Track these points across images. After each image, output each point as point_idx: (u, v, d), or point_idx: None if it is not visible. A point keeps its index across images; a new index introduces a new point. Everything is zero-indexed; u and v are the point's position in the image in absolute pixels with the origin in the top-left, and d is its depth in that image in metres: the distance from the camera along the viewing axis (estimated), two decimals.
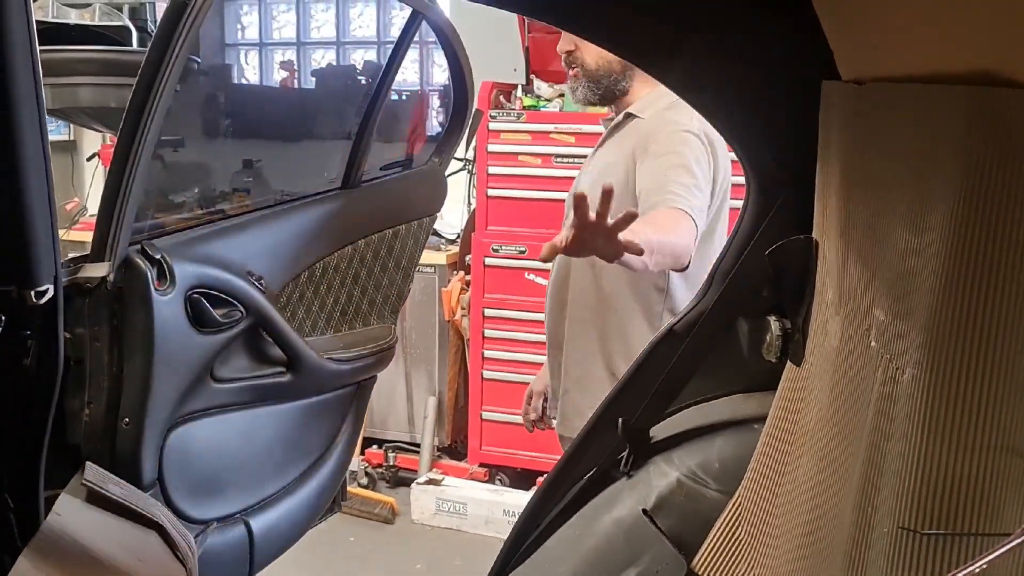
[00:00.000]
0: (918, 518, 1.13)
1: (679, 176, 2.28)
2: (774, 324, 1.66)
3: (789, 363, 1.60)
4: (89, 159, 5.94)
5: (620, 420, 1.76)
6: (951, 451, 1.12)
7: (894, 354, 1.23)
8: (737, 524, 1.66)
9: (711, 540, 1.67)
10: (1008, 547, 0.93)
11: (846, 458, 1.35)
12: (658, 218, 2.19)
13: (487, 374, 4.57)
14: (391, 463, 4.97)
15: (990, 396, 1.10)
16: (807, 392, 1.52)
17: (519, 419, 4.38)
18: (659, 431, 1.80)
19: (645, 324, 2.44)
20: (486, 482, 4.63)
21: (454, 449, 5.03)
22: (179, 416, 1.87)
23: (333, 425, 2.31)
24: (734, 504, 1.66)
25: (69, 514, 1.40)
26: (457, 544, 4.35)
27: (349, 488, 4.51)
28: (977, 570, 0.95)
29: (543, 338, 4.23)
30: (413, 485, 4.65)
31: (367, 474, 4.88)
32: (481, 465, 4.69)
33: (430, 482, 4.61)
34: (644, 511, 1.73)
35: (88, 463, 1.56)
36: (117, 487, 1.53)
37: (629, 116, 2.49)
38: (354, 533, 4.42)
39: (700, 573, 1.69)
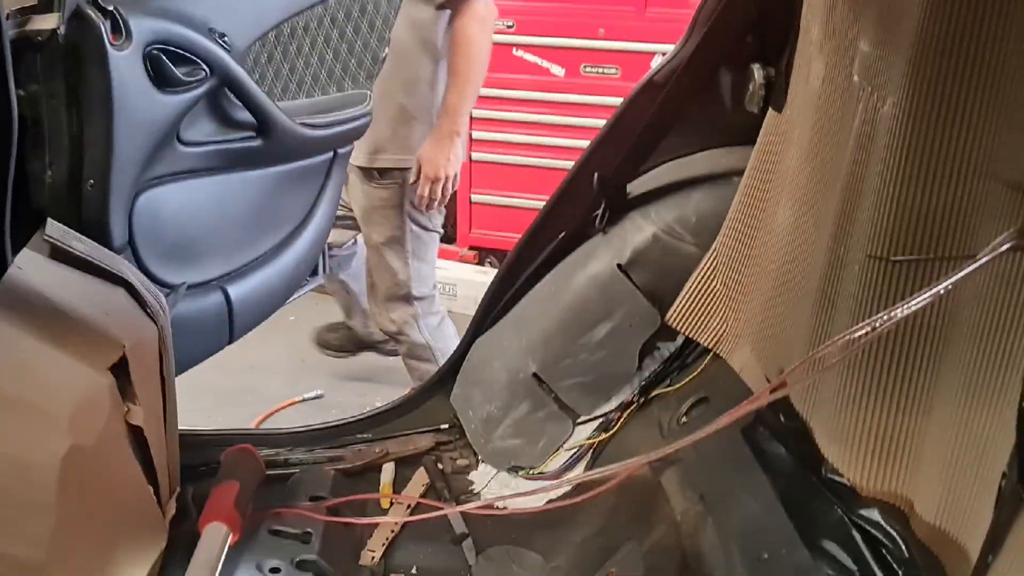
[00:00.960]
0: (890, 246, 1.10)
1: None
2: (758, 72, 1.58)
3: (770, 111, 1.54)
4: None
5: (596, 175, 1.71)
6: (929, 177, 1.07)
7: (876, 85, 1.17)
8: (712, 277, 1.64)
9: (686, 293, 1.66)
10: (976, 266, 0.90)
11: (824, 198, 1.31)
12: (457, 62, 2.50)
13: (476, 156, 4.47)
14: None
15: (973, 122, 1.05)
16: (788, 137, 1.47)
17: (509, 202, 4.37)
18: (636, 187, 1.75)
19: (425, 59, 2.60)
20: (477, 265, 4.64)
21: (444, 232, 5.01)
22: (146, 179, 1.82)
23: (310, 194, 2.26)
24: (710, 257, 1.64)
25: (31, 268, 1.37)
26: None
27: None
28: (942, 291, 0.92)
29: (535, 118, 4.15)
30: None
31: None
32: (471, 248, 4.68)
33: None
34: (619, 266, 1.71)
35: (49, 219, 1.52)
36: (81, 243, 1.49)
37: None
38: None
39: (674, 326, 1.68)
